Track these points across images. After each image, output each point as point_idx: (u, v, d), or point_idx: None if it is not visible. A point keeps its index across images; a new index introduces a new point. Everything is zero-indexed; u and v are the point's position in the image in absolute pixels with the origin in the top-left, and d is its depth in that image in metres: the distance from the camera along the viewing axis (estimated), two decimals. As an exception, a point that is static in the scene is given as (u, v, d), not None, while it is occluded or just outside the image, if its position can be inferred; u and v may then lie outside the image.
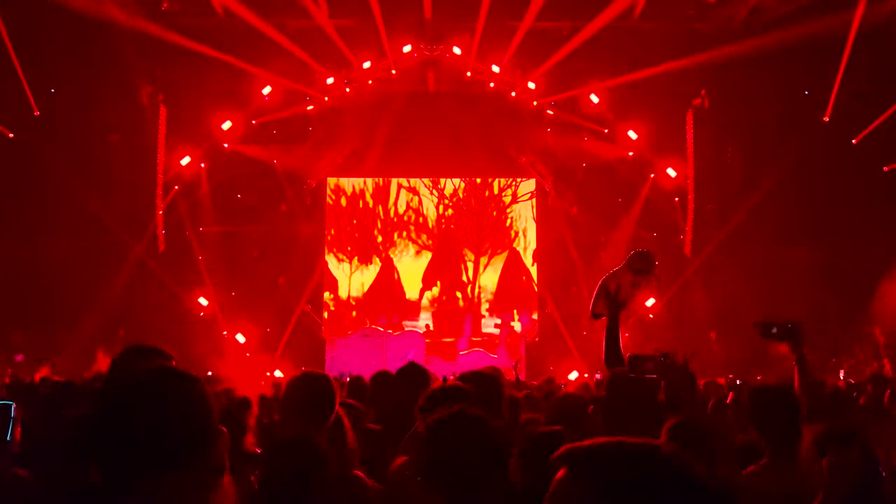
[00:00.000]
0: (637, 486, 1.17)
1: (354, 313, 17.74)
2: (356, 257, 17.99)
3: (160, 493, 1.36)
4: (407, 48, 16.23)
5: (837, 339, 14.30)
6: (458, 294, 17.81)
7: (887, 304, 14.09)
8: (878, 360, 13.42)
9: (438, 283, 17.84)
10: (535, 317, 17.74)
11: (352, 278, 17.93)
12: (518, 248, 18.04)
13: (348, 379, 10.44)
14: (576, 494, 1.18)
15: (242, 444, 3.50)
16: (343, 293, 17.90)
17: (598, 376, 10.86)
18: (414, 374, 4.21)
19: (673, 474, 1.21)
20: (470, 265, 17.91)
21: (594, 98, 16.34)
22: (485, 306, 17.81)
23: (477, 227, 18.07)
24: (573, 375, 14.23)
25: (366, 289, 17.87)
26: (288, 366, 15.22)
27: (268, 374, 13.61)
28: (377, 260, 17.96)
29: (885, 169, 14.99)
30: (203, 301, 16.34)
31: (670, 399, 3.18)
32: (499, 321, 17.68)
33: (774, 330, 3.58)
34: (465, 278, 17.87)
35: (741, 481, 2.98)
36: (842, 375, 11.24)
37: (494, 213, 18.07)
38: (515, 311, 17.80)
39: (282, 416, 3.44)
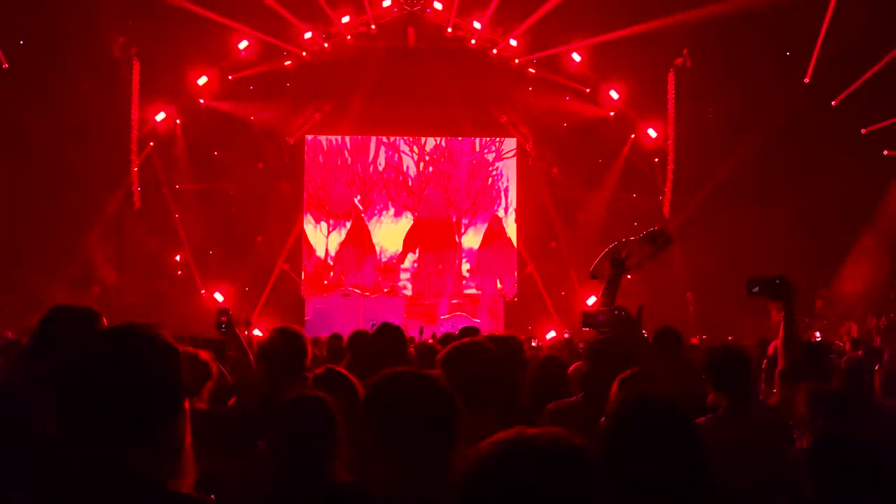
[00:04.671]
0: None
1: (332, 273, 17.68)
2: (334, 217, 17.87)
3: (126, 460, 1.30)
4: (387, 2, 15.93)
5: (811, 300, 14.52)
6: (438, 255, 17.78)
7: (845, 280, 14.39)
8: (848, 322, 13.67)
9: (418, 246, 17.79)
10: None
11: (329, 238, 17.83)
12: (499, 208, 18.01)
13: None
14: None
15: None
16: (321, 253, 17.82)
17: (566, 335, 10.95)
18: (390, 333, 4.24)
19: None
20: (451, 226, 17.86)
21: (576, 57, 16.20)
22: (465, 267, 17.82)
23: (459, 186, 17.99)
24: (551, 335, 14.34)
25: (341, 249, 17.80)
26: (267, 324, 15.18)
27: (247, 332, 13.54)
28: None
29: (863, 131, 15.06)
30: (219, 297, 16.06)
31: (621, 352, 3.23)
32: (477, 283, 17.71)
33: (756, 288, 3.55)
34: (447, 239, 17.83)
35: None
36: (818, 336, 11.43)
37: (476, 171, 17.99)
38: (497, 276, 17.82)
39: (262, 371, 3.49)
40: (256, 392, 3.81)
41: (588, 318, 3.28)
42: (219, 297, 15.85)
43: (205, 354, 3.72)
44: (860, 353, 5.04)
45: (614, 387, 2.88)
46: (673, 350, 4.68)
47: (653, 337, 4.78)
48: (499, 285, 17.70)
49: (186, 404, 1.43)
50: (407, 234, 17.77)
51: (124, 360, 1.35)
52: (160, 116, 16.03)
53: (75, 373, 1.34)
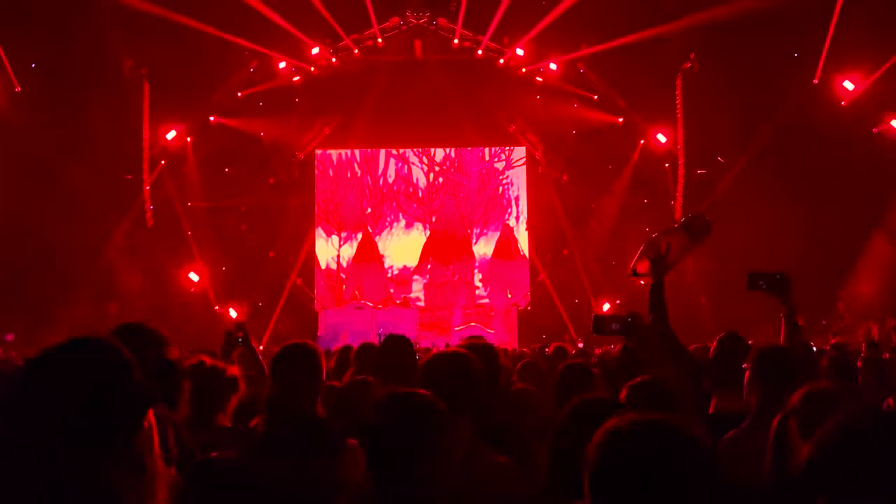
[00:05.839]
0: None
1: (345, 286, 17.70)
2: (345, 230, 17.91)
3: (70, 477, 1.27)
4: (393, 16, 16.02)
5: (827, 302, 14.37)
6: (453, 266, 17.76)
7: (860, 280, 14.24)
8: (867, 322, 13.50)
9: (433, 257, 17.78)
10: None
11: (341, 251, 17.87)
12: (510, 217, 17.99)
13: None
14: None
15: (214, 421, 3.43)
16: (333, 266, 17.85)
17: (580, 344, 10.87)
18: (396, 344, 4.21)
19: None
20: (467, 237, 17.86)
21: (582, 64, 16.19)
22: (478, 277, 17.78)
23: (469, 195, 17.99)
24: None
25: (353, 261, 17.84)
26: (281, 339, 15.19)
27: (261, 347, 13.56)
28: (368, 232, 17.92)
29: (874, 130, 14.91)
30: (194, 276, 16.26)
31: (632, 358, 3.16)
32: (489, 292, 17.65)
33: (762, 282, 3.48)
34: (462, 250, 17.81)
35: (721, 447, 2.97)
36: (832, 340, 11.23)
37: (486, 181, 17.99)
38: (509, 285, 17.76)
39: (275, 386, 3.45)
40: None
41: (600, 323, 3.21)
42: (233, 312, 15.90)
43: (234, 370, 3.71)
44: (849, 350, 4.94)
45: (623, 392, 2.83)
46: (739, 360, 4.20)
47: (715, 345, 4.41)
48: (508, 295, 17.63)
49: (151, 415, 1.40)
50: (424, 246, 17.77)
51: (68, 376, 1.32)
52: (171, 135, 16.15)
53: (16, 390, 1.32)
